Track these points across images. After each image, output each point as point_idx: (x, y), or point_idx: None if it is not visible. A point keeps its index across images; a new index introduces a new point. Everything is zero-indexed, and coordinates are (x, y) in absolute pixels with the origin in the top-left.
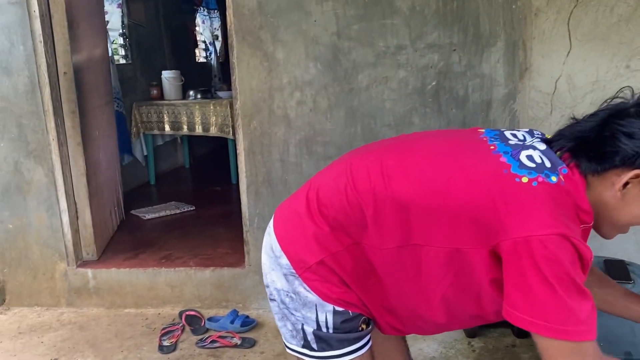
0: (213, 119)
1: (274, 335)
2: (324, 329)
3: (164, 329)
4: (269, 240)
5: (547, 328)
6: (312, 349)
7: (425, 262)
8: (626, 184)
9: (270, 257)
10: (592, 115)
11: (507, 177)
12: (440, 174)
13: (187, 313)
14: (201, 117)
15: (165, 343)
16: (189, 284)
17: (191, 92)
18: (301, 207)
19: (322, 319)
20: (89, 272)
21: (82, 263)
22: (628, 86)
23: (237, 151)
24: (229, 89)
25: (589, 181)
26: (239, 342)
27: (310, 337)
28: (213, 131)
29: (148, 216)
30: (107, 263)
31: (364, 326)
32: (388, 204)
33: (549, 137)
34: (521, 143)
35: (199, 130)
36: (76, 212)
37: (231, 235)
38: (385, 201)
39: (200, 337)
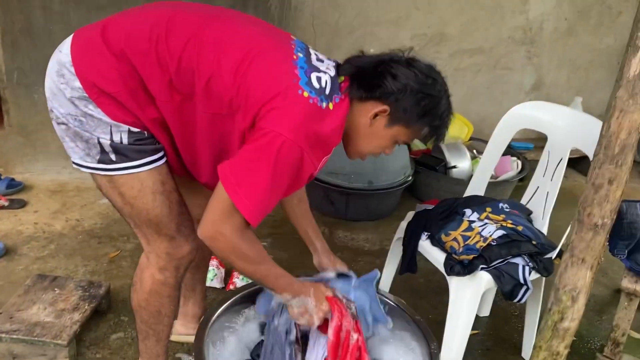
0: None
1: (47, 196)
2: (120, 143)
3: None
4: (60, 61)
5: (232, 185)
6: (110, 162)
7: (199, 119)
8: (376, 115)
9: (55, 80)
10: (376, 55)
11: (294, 86)
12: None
13: None
14: None
15: None
16: None
17: None
18: (105, 37)
19: (116, 138)
20: None
21: None
22: (412, 48)
23: None
24: None
25: (353, 106)
26: (6, 203)
27: (108, 149)
28: None
29: None
30: None
31: (159, 143)
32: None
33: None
34: (317, 65)
35: None
36: None
37: None
38: (190, 68)
39: None
